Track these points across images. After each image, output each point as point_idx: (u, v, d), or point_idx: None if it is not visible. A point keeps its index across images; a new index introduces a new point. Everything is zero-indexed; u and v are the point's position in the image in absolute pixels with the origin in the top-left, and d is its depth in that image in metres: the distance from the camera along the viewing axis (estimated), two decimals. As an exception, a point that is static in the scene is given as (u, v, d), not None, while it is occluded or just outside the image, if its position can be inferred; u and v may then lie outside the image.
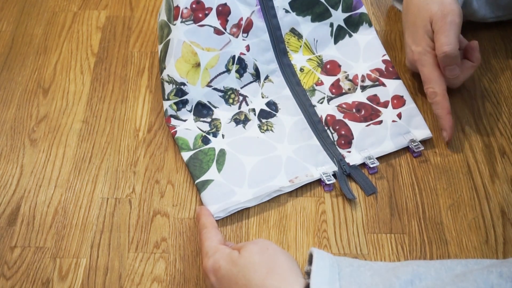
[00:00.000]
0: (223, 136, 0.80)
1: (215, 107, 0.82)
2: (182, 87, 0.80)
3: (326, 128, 0.80)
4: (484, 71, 0.87)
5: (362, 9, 0.88)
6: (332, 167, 0.77)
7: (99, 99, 0.85)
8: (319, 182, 0.77)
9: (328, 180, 0.76)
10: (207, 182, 0.76)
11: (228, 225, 0.73)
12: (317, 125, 0.80)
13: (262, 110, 0.83)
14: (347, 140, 0.79)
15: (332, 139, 0.79)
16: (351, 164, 0.77)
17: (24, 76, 0.88)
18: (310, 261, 0.61)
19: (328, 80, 0.85)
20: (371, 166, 0.77)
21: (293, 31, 0.86)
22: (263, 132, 0.81)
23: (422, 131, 0.80)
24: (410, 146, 0.79)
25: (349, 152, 0.78)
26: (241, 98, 0.83)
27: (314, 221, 0.74)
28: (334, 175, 0.77)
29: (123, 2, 0.96)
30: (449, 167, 0.78)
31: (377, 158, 0.78)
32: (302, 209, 0.75)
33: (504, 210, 0.74)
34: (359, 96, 0.83)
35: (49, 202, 0.76)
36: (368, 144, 0.79)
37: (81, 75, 0.88)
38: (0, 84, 0.87)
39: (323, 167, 0.77)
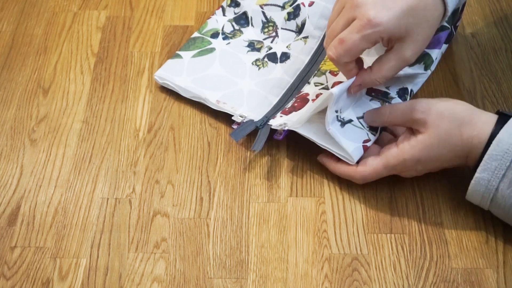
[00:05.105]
0: (229, 43, 0.87)
1: (252, 25, 0.88)
2: None
3: (294, 98, 0.81)
4: (484, 71, 0.87)
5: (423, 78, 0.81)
6: (256, 117, 0.79)
7: (99, 99, 0.85)
8: (317, 180, 0.77)
9: (237, 119, 0.78)
10: (178, 56, 0.86)
11: (228, 226, 0.73)
12: (291, 94, 0.81)
13: (274, 53, 0.85)
14: (290, 111, 0.79)
15: (284, 106, 0.80)
16: (269, 123, 0.78)
17: (24, 76, 0.88)
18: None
19: (341, 78, 0.81)
20: (278, 129, 0.76)
21: None
22: (253, 65, 0.85)
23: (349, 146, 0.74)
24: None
25: (281, 117, 0.78)
26: (274, 34, 0.87)
27: (314, 221, 0.74)
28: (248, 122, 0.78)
29: (123, 2, 0.96)
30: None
31: None
32: (302, 209, 0.75)
33: (504, 210, 0.73)
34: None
35: (49, 202, 0.76)
36: (296, 119, 0.77)
37: (81, 75, 0.88)
38: (0, 84, 0.87)
39: (251, 112, 0.79)
